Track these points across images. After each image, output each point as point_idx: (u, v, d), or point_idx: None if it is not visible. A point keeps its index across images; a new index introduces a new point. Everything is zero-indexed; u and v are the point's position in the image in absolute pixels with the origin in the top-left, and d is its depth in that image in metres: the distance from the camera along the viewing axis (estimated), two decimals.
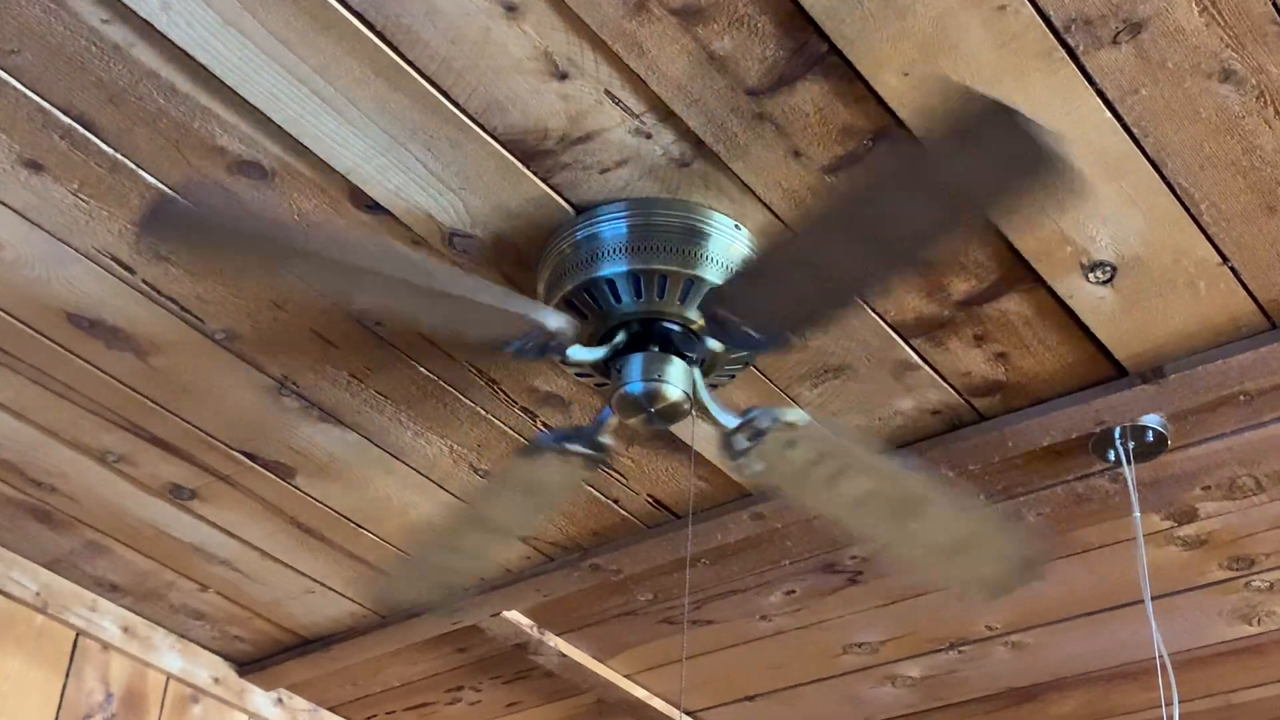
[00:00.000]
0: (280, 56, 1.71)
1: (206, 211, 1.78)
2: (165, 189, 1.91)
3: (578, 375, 1.98)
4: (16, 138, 1.85)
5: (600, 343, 1.89)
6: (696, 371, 1.87)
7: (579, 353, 1.85)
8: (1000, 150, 1.44)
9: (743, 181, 1.84)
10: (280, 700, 3.17)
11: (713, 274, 1.85)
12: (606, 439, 1.93)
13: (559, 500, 2.06)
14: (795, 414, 1.84)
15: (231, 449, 2.41)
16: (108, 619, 2.89)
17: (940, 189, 1.52)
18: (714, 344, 1.87)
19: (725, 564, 2.65)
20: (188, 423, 2.35)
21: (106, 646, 2.89)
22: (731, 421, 1.87)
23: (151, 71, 1.74)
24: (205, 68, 1.73)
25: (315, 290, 1.96)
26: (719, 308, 1.78)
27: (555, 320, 1.78)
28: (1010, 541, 2.05)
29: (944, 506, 1.98)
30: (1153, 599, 2.47)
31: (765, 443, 1.86)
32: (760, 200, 1.86)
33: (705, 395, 1.87)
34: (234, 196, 1.90)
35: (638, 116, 1.76)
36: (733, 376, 1.97)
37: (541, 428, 2.32)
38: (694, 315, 1.86)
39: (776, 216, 1.88)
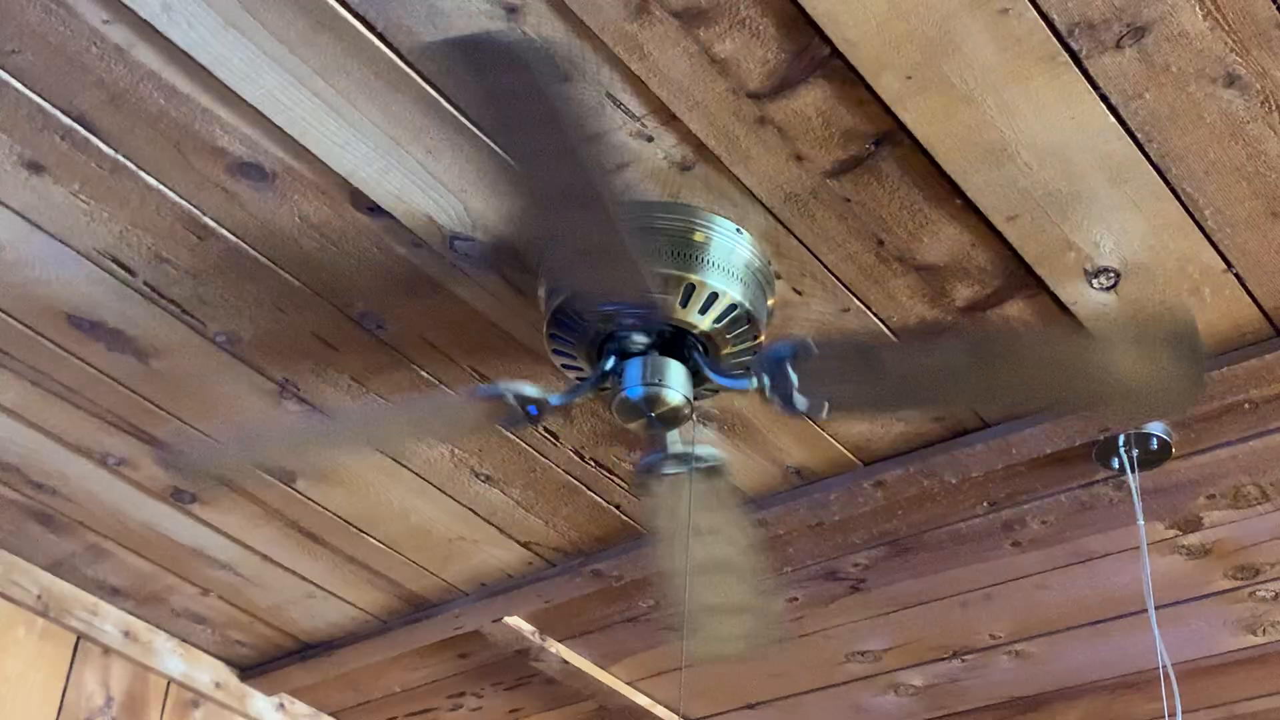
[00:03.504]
0: (281, 58, 1.71)
1: (210, 449, 2.28)
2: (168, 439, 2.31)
3: (578, 379, 1.98)
4: (17, 138, 1.85)
5: (600, 346, 1.88)
6: (704, 363, 1.87)
7: (563, 399, 1.89)
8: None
9: (744, 185, 1.83)
10: (282, 705, 3.16)
11: (714, 278, 1.84)
12: (694, 449, 1.96)
13: (730, 514, 2.06)
14: (800, 341, 1.80)
15: None
16: (109, 622, 2.88)
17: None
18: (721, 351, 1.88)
19: None
20: (189, 425, 2.35)
21: (107, 650, 2.88)
22: (748, 384, 1.86)
23: (152, 72, 1.74)
24: (206, 69, 1.73)
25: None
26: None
27: (529, 389, 1.88)
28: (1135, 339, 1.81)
29: (1029, 344, 1.81)
30: (1157, 608, 2.46)
31: (800, 382, 1.82)
32: (762, 204, 1.86)
33: (714, 375, 1.87)
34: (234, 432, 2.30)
35: (639, 119, 1.75)
36: (731, 371, 1.96)
37: (544, 433, 2.32)
38: (696, 319, 1.85)
39: (778, 220, 1.88)
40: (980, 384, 1.82)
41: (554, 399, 1.88)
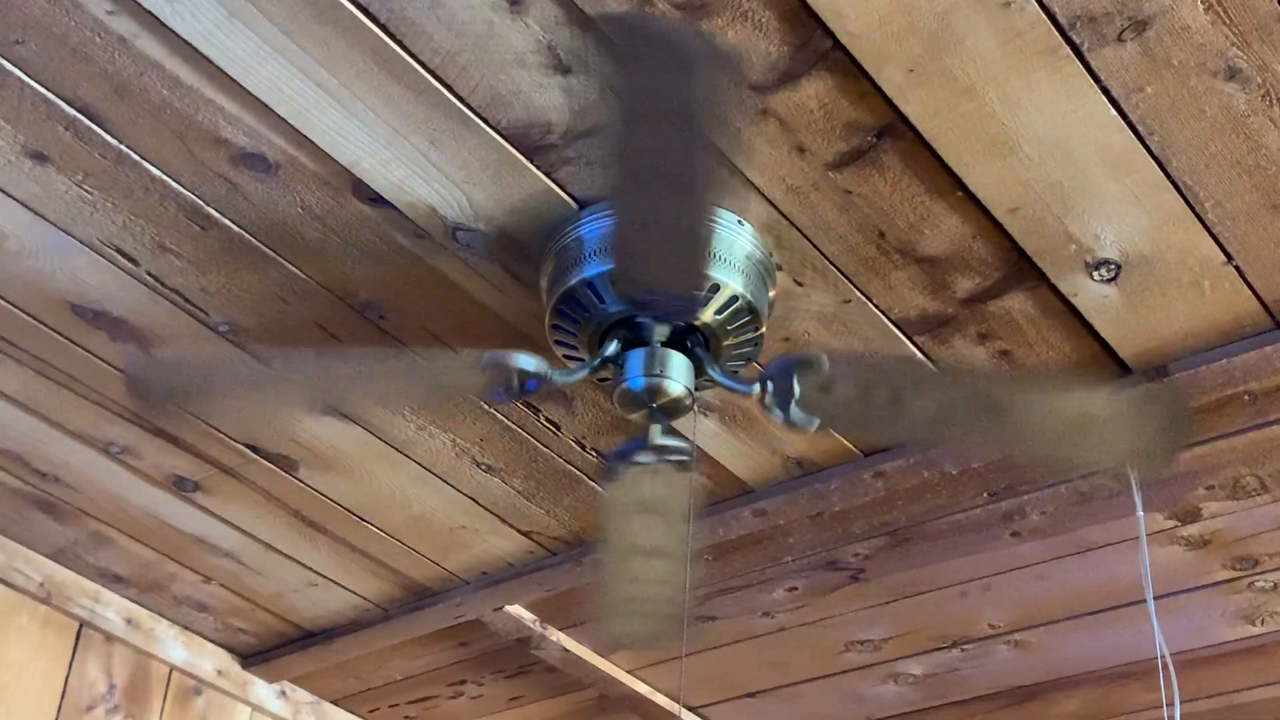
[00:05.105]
0: (284, 49, 1.71)
1: (178, 372, 2.07)
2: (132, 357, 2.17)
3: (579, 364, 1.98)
4: (21, 128, 1.85)
5: (602, 339, 1.89)
6: (707, 356, 1.87)
7: (562, 376, 1.86)
8: (662, 63, 1.43)
9: (746, 177, 1.84)
10: (283, 693, 3.18)
11: (716, 270, 1.85)
12: (668, 440, 1.94)
13: (680, 509, 2.06)
14: (813, 357, 1.81)
15: (235, 441, 2.42)
16: (111, 610, 2.89)
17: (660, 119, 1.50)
18: (716, 335, 1.88)
19: (727, 560, 2.65)
20: (191, 414, 2.36)
21: (110, 637, 2.90)
22: (752, 389, 1.86)
23: (156, 63, 1.75)
24: (210, 60, 1.73)
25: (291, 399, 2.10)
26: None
27: (526, 361, 1.83)
28: (1134, 408, 1.87)
29: (1032, 396, 1.86)
30: (1155, 599, 2.46)
31: (801, 394, 1.82)
32: (764, 196, 1.86)
33: (718, 375, 1.87)
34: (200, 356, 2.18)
35: None
36: (736, 372, 1.97)
37: (545, 423, 2.32)
38: (697, 310, 1.86)
39: (780, 212, 1.88)
40: (974, 429, 1.88)
41: (556, 375, 1.86)
